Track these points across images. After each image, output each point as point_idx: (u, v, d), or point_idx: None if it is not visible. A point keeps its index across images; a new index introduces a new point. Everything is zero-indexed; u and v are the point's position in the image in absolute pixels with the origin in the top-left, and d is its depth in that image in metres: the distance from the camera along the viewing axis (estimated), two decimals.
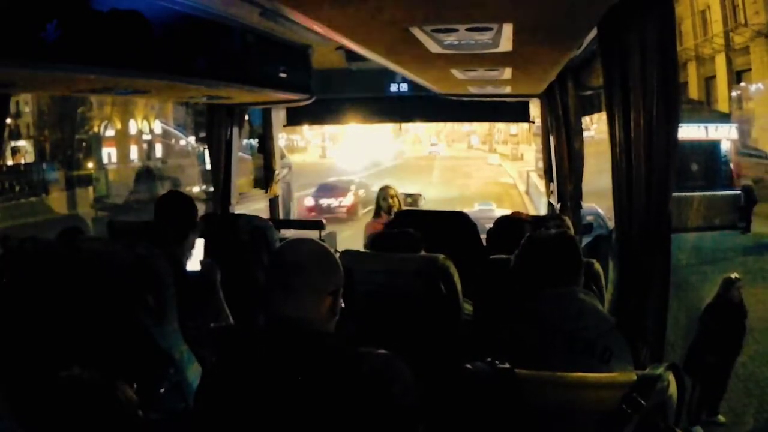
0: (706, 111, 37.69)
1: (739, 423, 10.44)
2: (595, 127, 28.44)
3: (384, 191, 8.37)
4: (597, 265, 4.56)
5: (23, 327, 2.32)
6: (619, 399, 2.72)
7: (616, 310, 3.53)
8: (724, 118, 36.17)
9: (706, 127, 34.47)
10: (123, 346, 2.88)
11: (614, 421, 2.75)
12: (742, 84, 37.84)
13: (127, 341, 2.94)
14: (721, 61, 39.09)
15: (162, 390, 3.15)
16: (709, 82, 40.42)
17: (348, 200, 37.38)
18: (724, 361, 9.54)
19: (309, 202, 37.16)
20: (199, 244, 4.77)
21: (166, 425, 3.05)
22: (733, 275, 10.42)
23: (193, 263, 4.42)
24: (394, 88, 8.44)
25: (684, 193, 27.65)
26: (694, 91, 40.93)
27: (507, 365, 2.82)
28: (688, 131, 32.68)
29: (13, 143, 43.91)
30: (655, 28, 3.13)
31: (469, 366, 2.87)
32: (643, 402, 2.69)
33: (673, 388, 2.76)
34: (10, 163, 41.10)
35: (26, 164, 43.18)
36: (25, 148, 46.94)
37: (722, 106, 38.28)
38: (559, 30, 3.81)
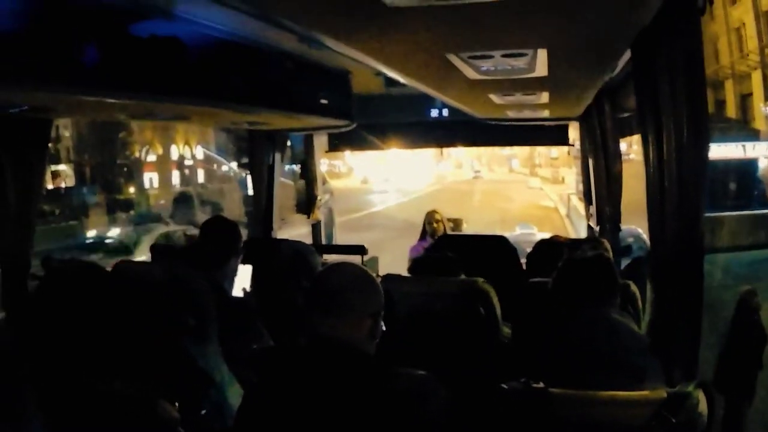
0: (742, 129, 37.24)
1: None
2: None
3: (430, 215, 8.48)
4: (633, 287, 4.56)
5: (65, 346, 2.36)
6: (650, 416, 2.74)
7: (651, 331, 3.54)
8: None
9: (743, 146, 34.14)
10: (164, 366, 2.93)
11: None
12: None
13: (168, 362, 2.99)
14: (757, 77, 38.40)
15: (203, 411, 3.19)
16: (745, 99, 39.81)
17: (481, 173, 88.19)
18: (746, 376, 9.21)
19: (470, 174, 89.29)
20: (246, 271, 4.81)
21: None
22: (750, 287, 10.26)
23: (238, 289, 4.47)
24: (434, 113, 8.41)
25: (719, 213, 27.31)
26: (731, 110, 40.29)
27: (541, 385, 2.85)
28: (726, 150, 32.38)
29: (53, 167, 44.32)
30: (684, 50, 3.14)
31: (503, 386, 2.91)
32: (672, 419, 2.70)
33: (703, 406, 2.77)
34: (50, 186, 41.44)
35: (66, 188, 43.56)
36: (65, 172, 47.38)
37: (759, 123, 37.75)
38: (592, 53, 3.84)
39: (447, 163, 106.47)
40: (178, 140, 52.82)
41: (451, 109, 8.01)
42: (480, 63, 3.89)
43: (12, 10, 2.90)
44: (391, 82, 6.76)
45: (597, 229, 7.66)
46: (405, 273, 5.17)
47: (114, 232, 33.18)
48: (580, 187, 9.64)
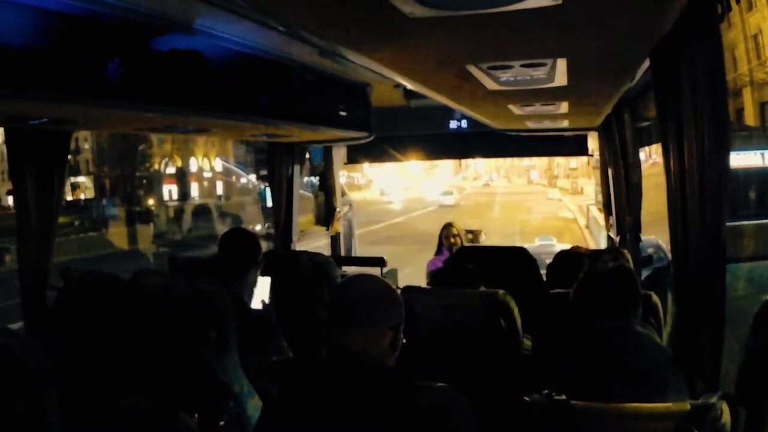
0: (762, 137, 36.89)
1: None
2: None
3: (447, 229, 8.41)
4: (655, 298, 4.55)
5: (84, 357, 2.35)
6: (673, 429, 2.72)
7: (673, 341, 3.52)
8: None
9: (762, 154, 33.89)
10: (184, 378, 2.92)
11: None
12: None
13: (188, 373, 2.98)
14: None
15: (222, 423, 3.18)
16: (764, 107, 39.35)
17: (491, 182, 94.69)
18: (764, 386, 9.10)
19: (484, 181, 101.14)
20: (265, 282, 4.81)
21: None
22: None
23: (257, 301, 4.46)
24: (453, 124, 8.44)
25: (741, 223, 27.01)
26: (750, 118, 39.77)
27: (563, 397, 2.83)
28: (745, 159, 32.13)
29: (72, 179, 44.58)
30: (705, 58, 3.12)
31: (526, 398, 2.89)
32: (696, 431, 2.68)
33: (726, 417, 2.75)
34: (69, 198, 41.66)
35: (86, 200, 43.83)
36: (84, 184, 47.70)
37: None
38: (612, 62, 3.83)
39: (463, 175, 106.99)
40: (197, 153, 52.98)
41: (471, 121, 8.01)
42: (499, 73, 3.89)
43: (34, 24, 2.91)
44: (410, 94, 6.77)
45: (617, 239, 7.63)
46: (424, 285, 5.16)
47: None
48: (599, 197, 9.61)
